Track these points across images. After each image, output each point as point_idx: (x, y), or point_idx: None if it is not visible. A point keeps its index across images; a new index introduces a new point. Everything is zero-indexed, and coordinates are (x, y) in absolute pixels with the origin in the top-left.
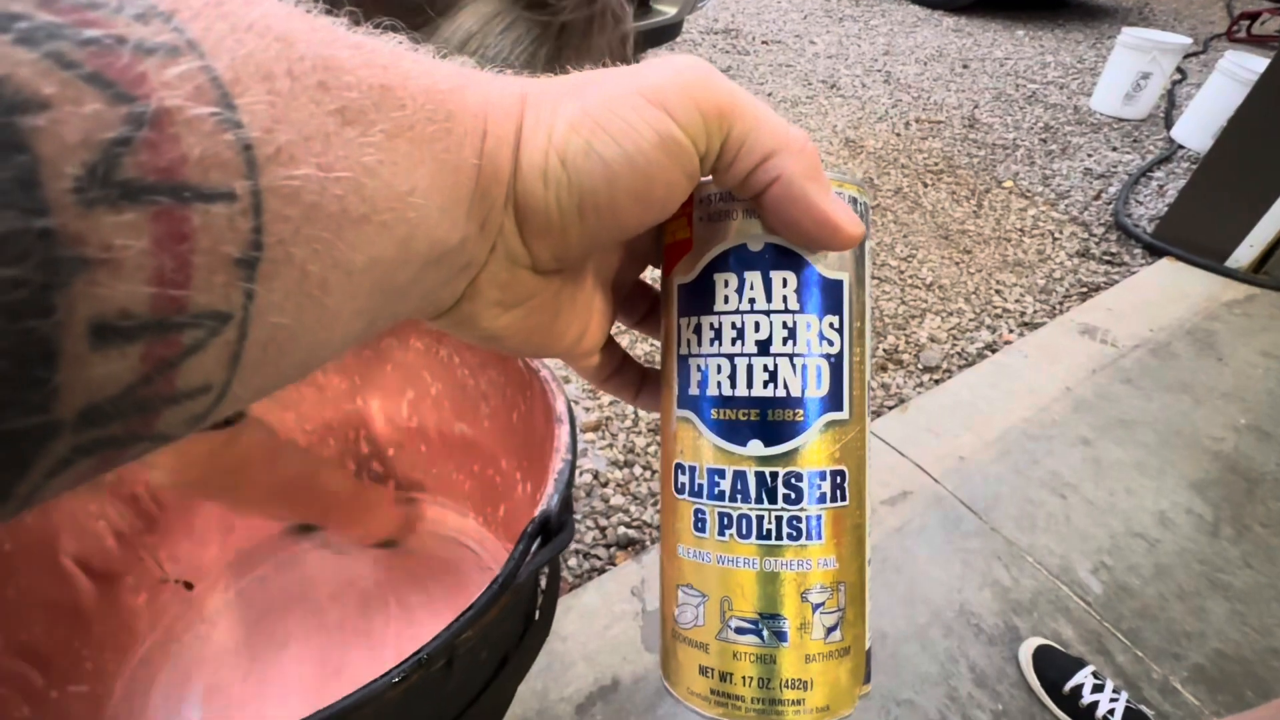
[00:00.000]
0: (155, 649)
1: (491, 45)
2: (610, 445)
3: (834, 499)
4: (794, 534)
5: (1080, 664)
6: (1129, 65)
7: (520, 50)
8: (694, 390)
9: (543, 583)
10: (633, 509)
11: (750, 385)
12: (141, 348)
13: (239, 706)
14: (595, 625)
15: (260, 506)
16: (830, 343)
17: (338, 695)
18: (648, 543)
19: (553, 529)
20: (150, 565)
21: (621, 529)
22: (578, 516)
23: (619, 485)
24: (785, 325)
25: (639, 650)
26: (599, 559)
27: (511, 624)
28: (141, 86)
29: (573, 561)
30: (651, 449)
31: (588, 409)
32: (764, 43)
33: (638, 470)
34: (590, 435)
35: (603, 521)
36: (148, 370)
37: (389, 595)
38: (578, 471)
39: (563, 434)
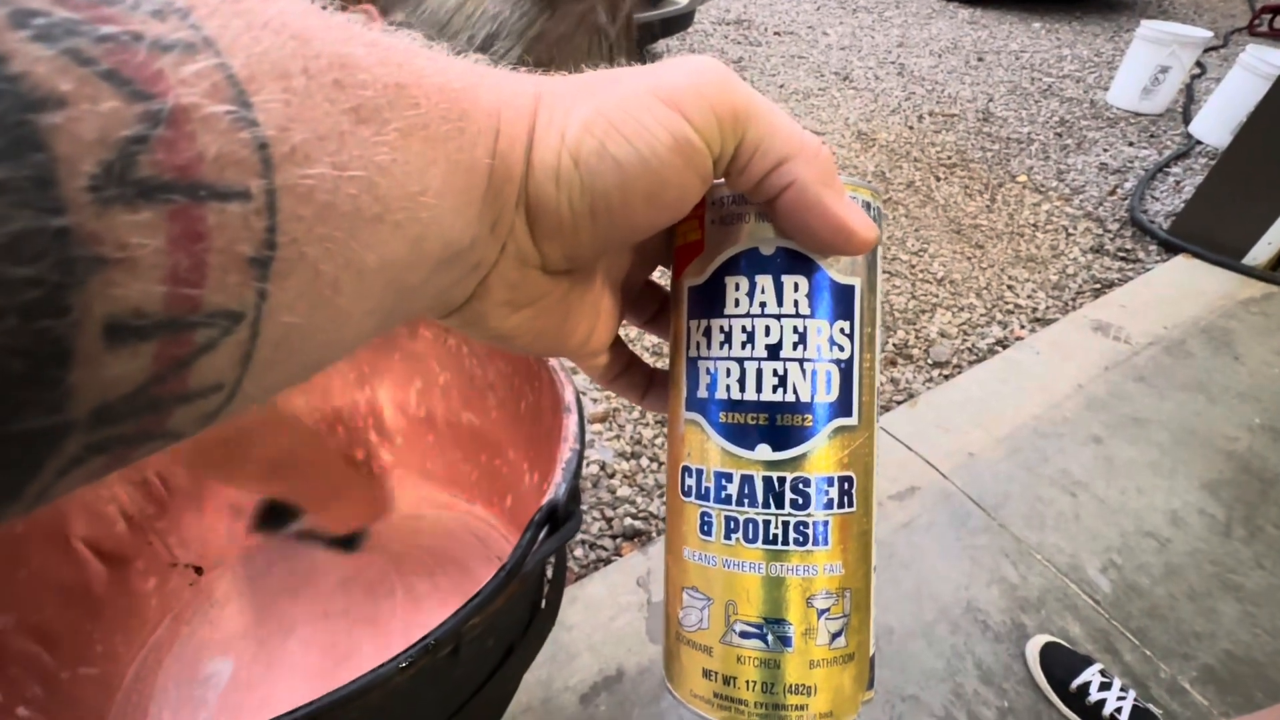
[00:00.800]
0: (165, 633)
1: (490, 6)
2: (617, 436)
3: (841, 505)
4: (800, 539)
5: (1088, 662)
6: (1147, 59)
7: (519, 13)
8: (702, 393)
9: (549, 572)
10: (639, 500)
11: (759, 389)
12: (155, 347)
13: (246, 690)
14: (600, 616)
15: (250, 480)
16: (841, 348)
17: (345, 681)
18: (654, 534)
19: (560, 518)
20: (160, 549)
21: (628, 520)
22: (584, 507)
23: (626, 476)
24: (796, 330)
25: (643, 641)
26: (605, 550)
27: (518, 612)
28: (158, 84)
29: (578, 552)
30: (659, 441)
31: (595, 400)
32: (776, 34)
33: (644, 462)
34: (597, 426)
35: (609, 512)
36: (160, 369)
37: (395, 583)
38: (584, 462)
39: (570, 424)
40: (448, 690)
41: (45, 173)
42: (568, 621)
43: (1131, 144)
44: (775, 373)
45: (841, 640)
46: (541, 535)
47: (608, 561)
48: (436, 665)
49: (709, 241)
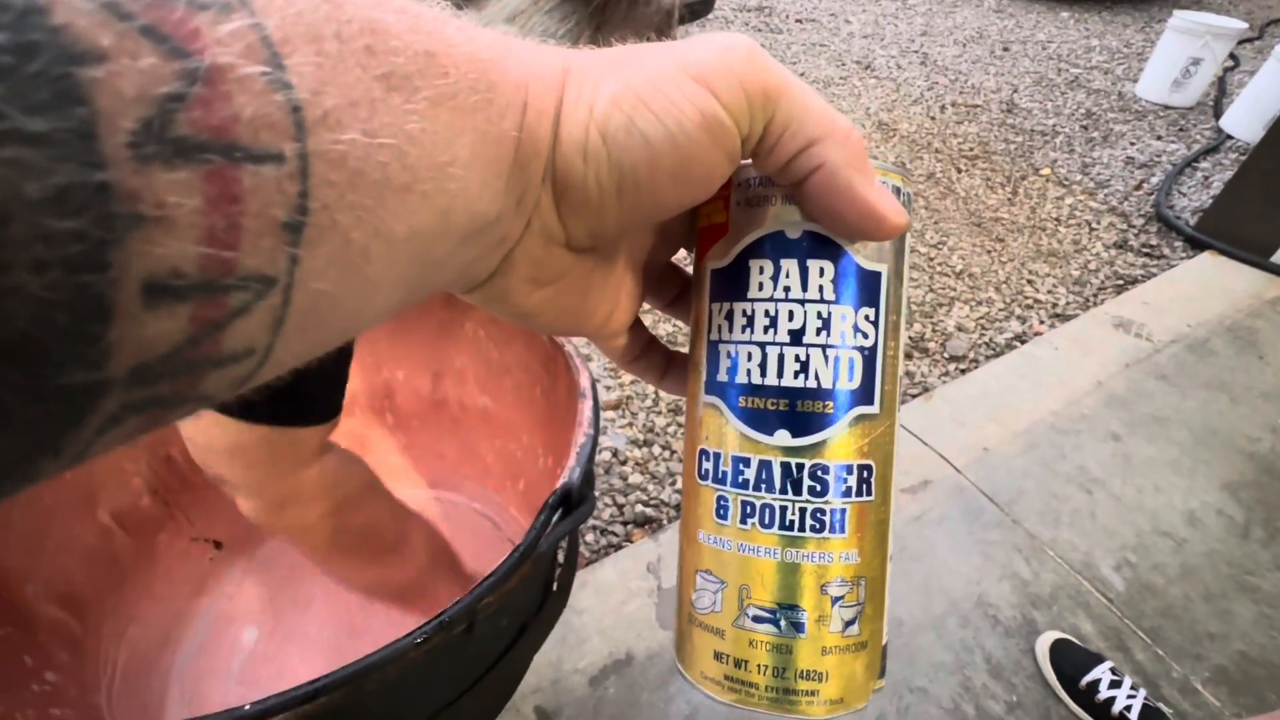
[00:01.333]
0: (186, 604)
1: (538, 24)
2: (630, 424)
3: (859, 493)
4: (817, 526)
5: (1098, 659)
6: (1179, 50)
7: (565, 30)
8: (723, 377)
9: (561, 556)
10: (651, 488)
11: (780, 375)
12: (191, 308)
13: (265, 662)
14: (611, 600)
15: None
16: (865, 335)
17: (360, 655)
18: (665, 521)
19: (574, 501)
20: (183, 524)
21: (639, 507)
22: (596, 493)
23: (638, 464)
24: (820, 315)
25: (653, 627)
26: (616, 536)
27: (531, 593)
28: (195, 42)
29: (590, 537)
30: (671, 429)
31: (609, 387)
32: (798, 21)
33: (657, 449)
34: (610, 413)
35: (620, 499)
36: (196, 331)
37: None
38: (597, 449)
39: (586, 409)
40: (461, 667)
41: (87, 127)
42: (578, 605)
43: (1159, 138)
44: (797, 358)
45: (855, 628)
46: (555, 518)
47: (619, 547)
48: (451, 642)
49: (734, 223)
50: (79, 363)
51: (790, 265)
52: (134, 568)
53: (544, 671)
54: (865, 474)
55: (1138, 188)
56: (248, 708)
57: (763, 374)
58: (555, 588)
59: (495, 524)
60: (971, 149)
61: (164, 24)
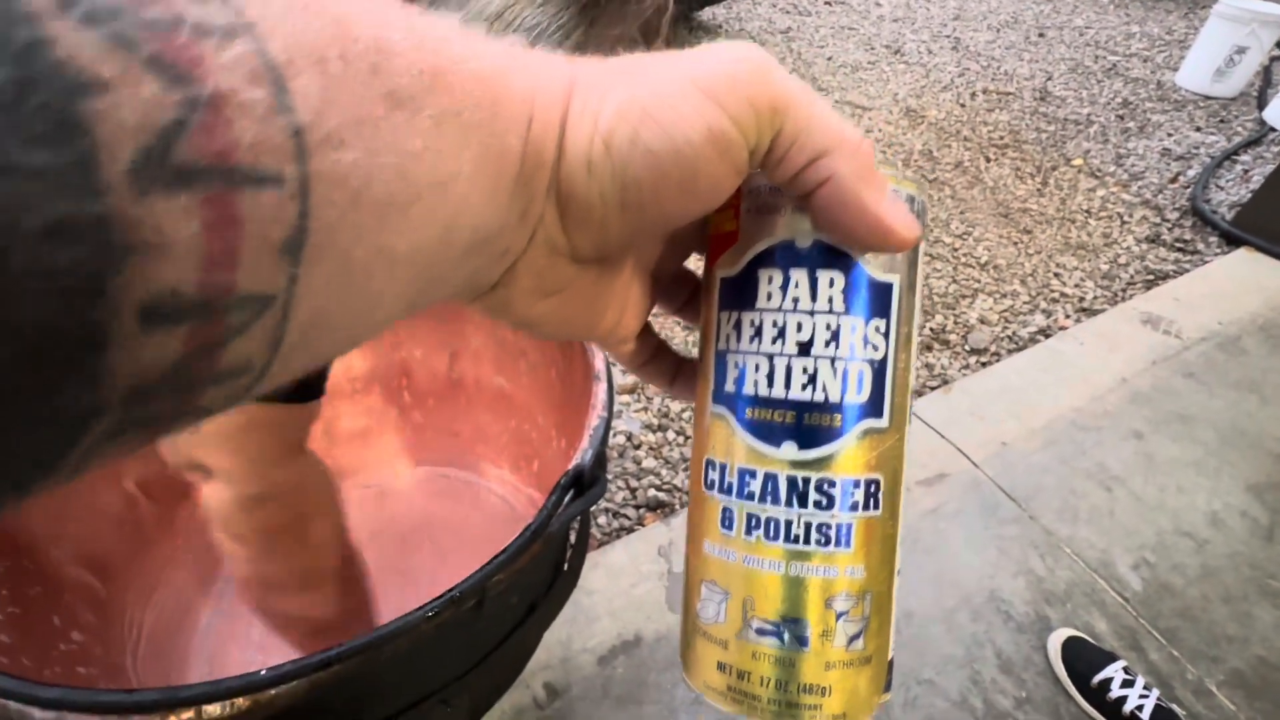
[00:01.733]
0: (209, 571)
1: (528, 17)
2: (645, 409)
3: (866, 508)
4: (822, 540)
5: (1111, 658)
6: (1223, 38)
7: (556, 25)
8: (730, 387)
9: (572, 536)
10: (664, 472)
11: (788, 386)
12: (187, 330)
13: None
14: (621, 583)
15: None
16: (875, 348)
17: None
18: (677, 506)
19: (585, 483)
20: None
21: (652, 491)
22: (609, 476)
23: (651, 448)
24: (829, 327)
25: (662, 609)
26: (628, 519)
27: (541, 572)
28: (198, 69)
29: (602, 520)
30: (685, 414)
31: (624, 371)
32: (827, 3)
33: (671, 435)
34: (625, 398)
35: (634, 483)
36: (192, 351)
37: (425, 539)
38: (611, 432)
39: (600, 392)
40: (472, 641)
41: (87, 157)
42: (589, 586)
43: (1199, 129)
44: (805, 370)
45: (859, 643)
46: (566, 499)
47: (630, 530)
48: (461, 617)
49: (744, 232)
50: (76, 386)
51: (800, 275)
52: (157, 535)
53: (554, 649)
54: (873, 488)
55: (1173, 180)
56: (264, 673)
57: (770, 385)
58: (566, 568)
59: (508, 503)
60: (1001, 137)
61: (167, 52)
